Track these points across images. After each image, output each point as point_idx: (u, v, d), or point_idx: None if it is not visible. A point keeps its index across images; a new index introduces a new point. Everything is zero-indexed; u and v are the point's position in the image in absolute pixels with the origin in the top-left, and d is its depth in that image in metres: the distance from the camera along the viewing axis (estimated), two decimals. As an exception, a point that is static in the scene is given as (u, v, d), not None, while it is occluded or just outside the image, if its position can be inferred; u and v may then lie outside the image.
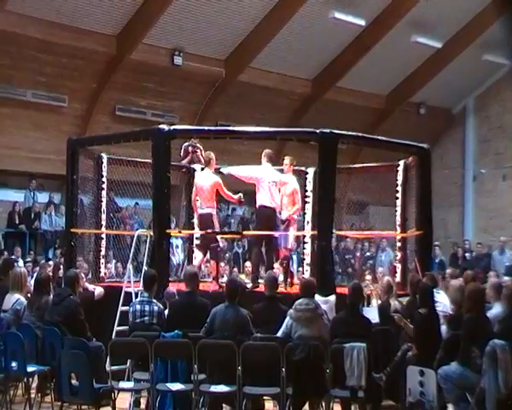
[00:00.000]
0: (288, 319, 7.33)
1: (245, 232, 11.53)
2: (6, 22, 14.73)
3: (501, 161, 22.15)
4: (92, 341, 7.88)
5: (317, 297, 7.98)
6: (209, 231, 10.00)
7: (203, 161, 11.87)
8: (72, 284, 8.27)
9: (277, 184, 10.23)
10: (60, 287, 9.20)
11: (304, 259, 11.66)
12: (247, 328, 7.42)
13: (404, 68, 20.55)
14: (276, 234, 10.17)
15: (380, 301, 8.90)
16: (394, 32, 18.32)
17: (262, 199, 10.08)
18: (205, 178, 10.31)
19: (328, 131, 9.56)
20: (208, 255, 10.64)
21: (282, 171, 10.64)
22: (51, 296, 8.47)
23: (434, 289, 8.20)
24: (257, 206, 10.24)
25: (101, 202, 11.08)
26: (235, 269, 14.71)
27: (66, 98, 16.76)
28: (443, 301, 8.37)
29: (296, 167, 11.89)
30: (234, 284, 7.82)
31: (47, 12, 15.16)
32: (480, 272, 13.27)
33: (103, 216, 11.10)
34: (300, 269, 12.12)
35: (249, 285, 9.87)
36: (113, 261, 13.41)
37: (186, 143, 11.95)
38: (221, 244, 11.04)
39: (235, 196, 10.42)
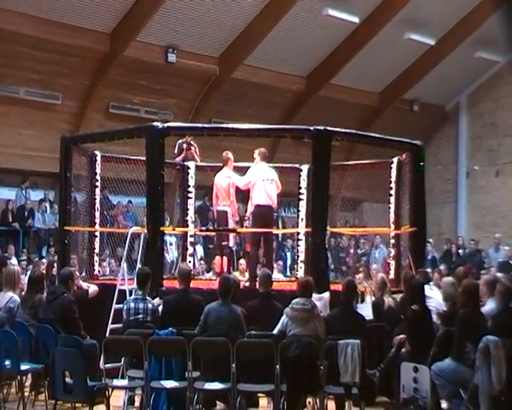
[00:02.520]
0: (284, 316, 7.32)
1: (239, 230, 11.50)
2: (-1, 19, 14.71)
3: (494, 157, 22.21)
4: (86, 339, 7.87)
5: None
6: (203, 228, 10.00)
7: (197, 158, 11.96)
8: (67, 282, 8.26)
9: (272, 182, 10.24)
10: (54, 285, 9.18)
11: (298, 256, 11.67)
12: (241, 325, 7.43)
13: (398, 65, 20.56)
14: (275, 231, 10.19)
15: (374, 298, 8.91)
16: (388, 29, 18.33)
17: (257, 198, 10.13)
18: (221, 178, 10.75)
19: (321, 128, 9.57)
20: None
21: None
22: (45, 294, 8.46)
23: (427, 285, 8.22)
24: (253, 206, 10.27)
25: (95, 199, 11.07)
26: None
27: (60, 96, 16.70)
28: (436, 297, 8.38)
29: (290, 164, 11.90)
30: (227, 282, 7.81)
31: (40, 9, 15.10)
32: (472, 267, 13.28)
33: (97, 214, 11.09)
34: (295, 266, 12.11)
35: (242, 283, 9.87)
36: (107, 259, 13.39)
37: (180, 141, 11.96)
38: (231, 243, 11.15)
39: (236, 206, 10.87)
